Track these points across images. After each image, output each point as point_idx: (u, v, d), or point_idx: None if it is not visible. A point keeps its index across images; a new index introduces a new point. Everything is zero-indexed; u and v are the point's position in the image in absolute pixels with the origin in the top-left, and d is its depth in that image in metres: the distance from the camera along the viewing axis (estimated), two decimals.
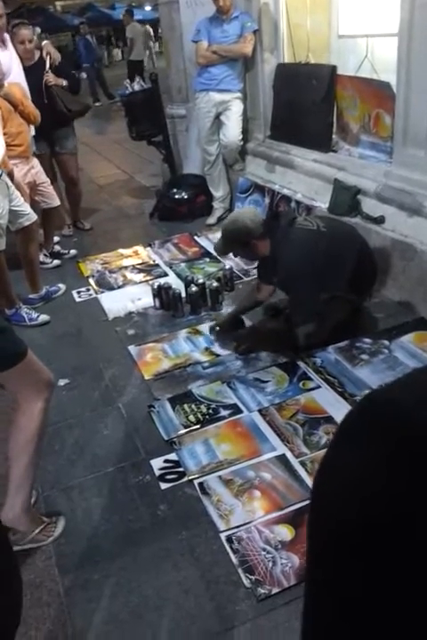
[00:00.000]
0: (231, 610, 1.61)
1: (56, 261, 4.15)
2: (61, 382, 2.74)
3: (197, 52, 4.28)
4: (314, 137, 3.96)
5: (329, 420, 2.24)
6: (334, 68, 3.84)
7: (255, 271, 3.57)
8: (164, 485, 2.05)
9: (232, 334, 2.87)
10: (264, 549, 1.74)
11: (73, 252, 4.29)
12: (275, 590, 1.64)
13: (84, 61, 11.79)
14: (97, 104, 11.53)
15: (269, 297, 2.88)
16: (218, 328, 2.94)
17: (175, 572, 1.74)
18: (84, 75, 11.17)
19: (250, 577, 1.68)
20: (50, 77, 4.08)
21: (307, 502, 1.86)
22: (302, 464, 2.05)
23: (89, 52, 12.02)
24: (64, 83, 4.18)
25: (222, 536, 1.82)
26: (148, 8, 22.37)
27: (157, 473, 2.10)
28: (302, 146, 4.08)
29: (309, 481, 1.96)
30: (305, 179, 3.98)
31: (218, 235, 4.23)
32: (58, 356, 2.96)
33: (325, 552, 0.39)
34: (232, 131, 4.40)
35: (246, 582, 1.67)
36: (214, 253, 3.94)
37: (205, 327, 3.06)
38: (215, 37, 4.19)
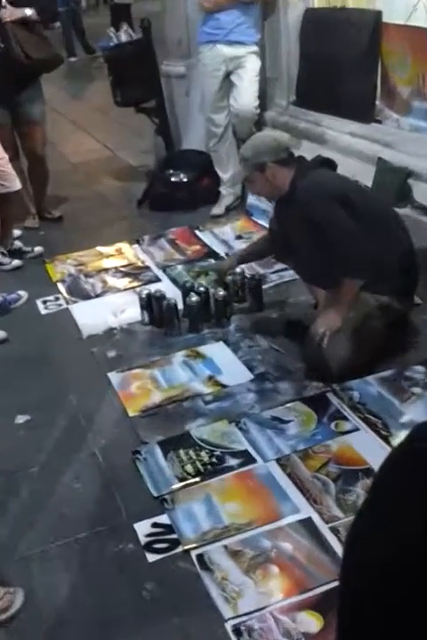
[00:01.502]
0: None
1: (16, 262, 4.17)
2: (20, 419, 2.73)
3: None
4: (352, 104, 3.98)
5: (370, 473, 2.21)
6: (378, 14, 3.87)
7: (275, 276, 3.61)
8: (151, 557, 2.03)
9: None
10: None
11: (38, 249, 4.30)
12: None
13: (58, 4, 11.94)
14: (72, 59, 11.62)
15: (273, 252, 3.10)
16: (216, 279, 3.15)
17: None
18: (57, 23, 11.30)
19: None
20: (4, 13, 3.97)
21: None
22: (334, 531, 2.02)
23: None
24: (28, 12, 4.03)
25: (228, 625, 1.80)
26: None
27: (143, 541, 2.09)
28: (337, 115, 4.10)
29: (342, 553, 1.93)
30: (340, 158, 3.95)
31: (227, 228, 4.29)
32: (15, 386, 2.95)
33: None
34: (246, 95, 4.42)
35: None
36: (222, 252, 3.99)
37: (208, 349, 3.06)
38: None
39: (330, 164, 2.83)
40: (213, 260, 3.94)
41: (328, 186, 2.64)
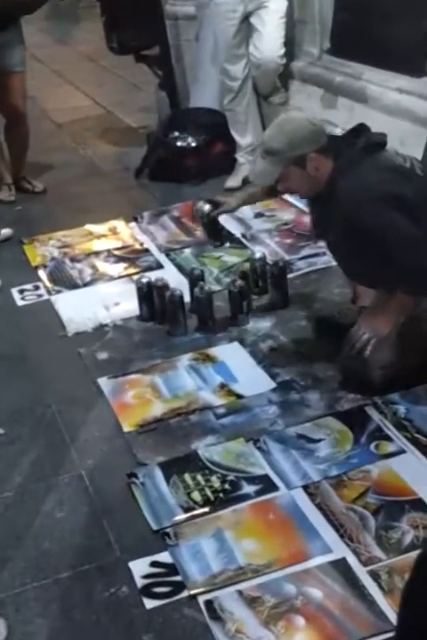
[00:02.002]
0: None
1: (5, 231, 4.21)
2: None
3: None
4: (400, 53, 3.97)
5: (419, 504, 2.22)
6: None
7: (303, 263, 3.61)
8: (150, 603, 2.02)
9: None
10: None
11: (5, 232, 4.27)
12: None
13: None
14: None
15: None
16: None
17: None
18: None
19: None
20: None
21: (382, 637, 1.83)
22: (374, 576, 2.01)
23: None
24: None
25: None
26: None
27: (140, 583, 2.08)
28: (381, 67, 4.10)
29: (384, 603, 1.93)
30: (384, 118, 3.98)
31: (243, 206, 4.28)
32: None
33: None
34: (269, 41, 4.43)
35: None
36: (239, 234, 3.99)
37: (220, 351, 3.06)
38: None
39: (379, 145, 2.69)
40: (227, 243, 3.93)
41: (379, 188, 2.53)
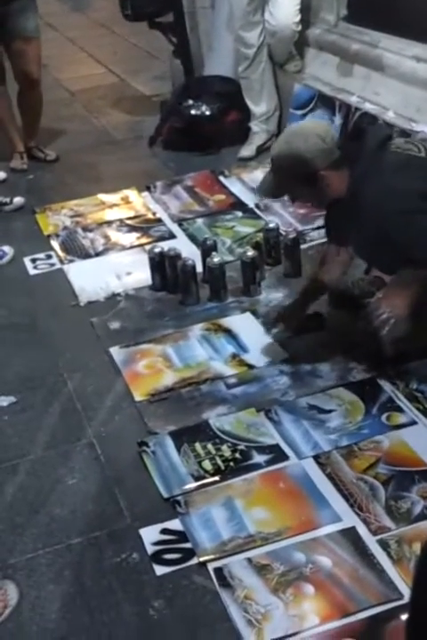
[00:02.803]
0: None
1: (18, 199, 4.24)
2: (3, 401, 2.77)
3: None
4: (417, 21, 3.93)
5: None
6: None
7: (316, 234, 3.60)
8: (160, 570, 2.05)
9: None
10: None
11: (18, 201, 4.28)
12: None
13: None
14: None
15: (345, 269, 2.89)
16: (281, 323, 2.95)
17: None
18: None
19: None
20: None
21: (390, 606, 1.85)
22: (383, 545, 2.03)
23: None
24: None
25: None
26: None
27: (151, 550, 2.11)
28: (398, 34, 4.06)
29: (393, 572, 1.94)
30: (401, 87, 3.95)
31: (258, 173, 4.28)
32: None
33: None
34: (285, 8, 4.40)
35: None
36: (252, 203, 3.99)
37: (232, 321, 3.07)
38: None
39: (387, 137, 2.65)
40: (239, 213, 3.94)
41: (404, 194, 2.46)
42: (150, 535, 2.15)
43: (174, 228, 3.91)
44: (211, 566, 2.03)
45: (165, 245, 3.49)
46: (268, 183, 2.71)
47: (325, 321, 2.98)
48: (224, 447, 2.43)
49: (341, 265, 2.87)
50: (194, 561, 2.06)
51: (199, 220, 3.95)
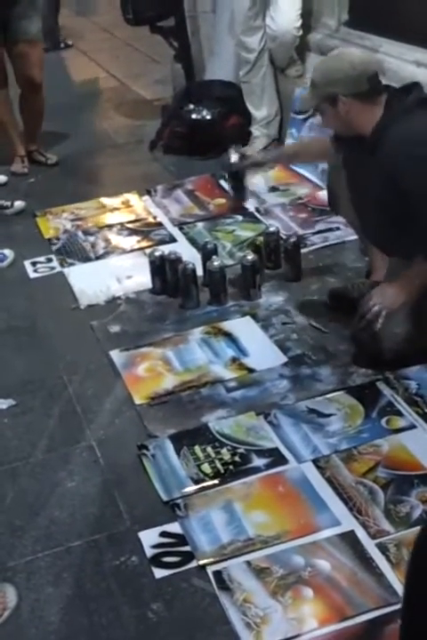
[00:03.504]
0: None
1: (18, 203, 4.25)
2: (2, 404, 2.77)
3: None
4: (418, 26, 3.93)
5: None
6: None
7: (317, 238, 3.61)
8: (159, 573, 2.05)
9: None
10: None
11: (18, 204, 4.29)
12: None
13: None
14: None
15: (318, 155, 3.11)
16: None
17: None
18: None
19: None
20: None
21: (389, 609, 1.85)
22: (382, 549, 2.03)
23: None
24: None
25: None
26: None
27: (150, 553, 2.11)
28: (399, 40, 4.06)
29: (392, 576, 1.94)
30: None
31: (259, 178, 4.29)
32: None
33: None
34: (286, 12, 4.41)
35: None
36: (252, 207, 3.99)
37: (233, 325, 3.07)
38: None
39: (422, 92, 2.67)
40: (240, 217, 3.94)
41: (425, 138, 2.49)
42: (150, 538, 2.15)
43: (175, 231, 3.92)
44: (210, 569, 2.03)
45: (165, 249, 3.49)
46: (303, 96, 2.93)
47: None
48: (224, 451, 2.43)
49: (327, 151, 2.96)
50: (193, 564, 2.06)
51: (200, 224, 3.95)
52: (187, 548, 2.11)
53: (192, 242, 3.77)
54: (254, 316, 3.13)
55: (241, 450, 2.43)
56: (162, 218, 4.08)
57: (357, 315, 2.70)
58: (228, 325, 3.09)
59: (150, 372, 2.87)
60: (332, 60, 2.74)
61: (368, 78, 2.58)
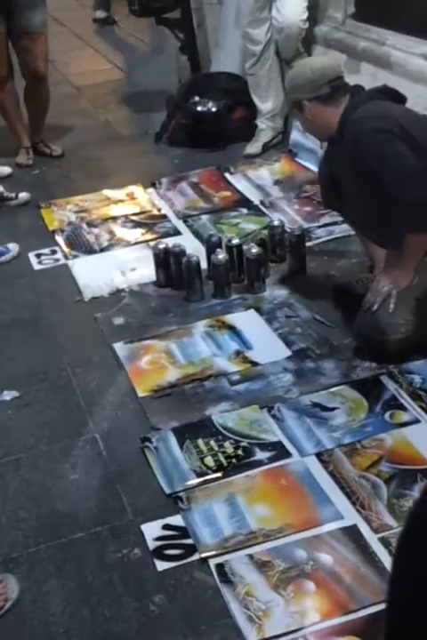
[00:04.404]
0: None
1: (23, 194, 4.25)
2: (6, 396, 2.78)
3: None
4: (425, 19, 3.92)
5: None
6: None
7: (322, 231, 3.61)
8: (162, 565, 2.06)
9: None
10: None
11: (23, 196, 4.28)
12: None
13: None
14: None
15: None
16: None
17: None
18: None
19: None
20: None
21: None
22: (385, 543, 2.04)
23: None
24: None
25: None
26: None
27: (152, 545, 2.12)
28: (406, 33, 4.05)
29: None
30: (408, 84, 3.93)
31: (264, 171, 4.29)
32: (1, 356, 3.01)
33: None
34: (292, 5, 4.39)
35: None
36: (257, 200, 3.99)
37: (237, 318, 3.08)
38: None
39: (396, 97, 2.77)
40: (245, 210, 3.94)
41: (382, 117, 2.60)
42: (152, 531, 2.16)
43: (179, 224, 3.92)
44: (212, 562, 2.05)
45: (169, 242, 3.49)
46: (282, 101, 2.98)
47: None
48: (227, 444, 2.44)
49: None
50: (195, 557, 2.07)
51: (204, 217, 3.95)
52: (189, 541, 2.12)
53: (197, 235, 3.76)
54: (258, 310, 3.13)
55: (244, 443, 2.44)
56: (166, 210, 4.08)
57: (365, 301, 2.70)
58: (232, 318, 3.10)
59: (154, 365, 2.88)
60: (296, 68, 2.91)
61: (328, 82, 2.73)
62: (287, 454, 2.38)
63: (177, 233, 3.82)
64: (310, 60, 3.00)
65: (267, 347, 2.91)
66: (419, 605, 0.61)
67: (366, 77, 4.25)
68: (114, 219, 4.04)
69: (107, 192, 4.33)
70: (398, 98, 2.79)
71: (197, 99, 4.88)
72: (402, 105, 2.77)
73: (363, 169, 2.61)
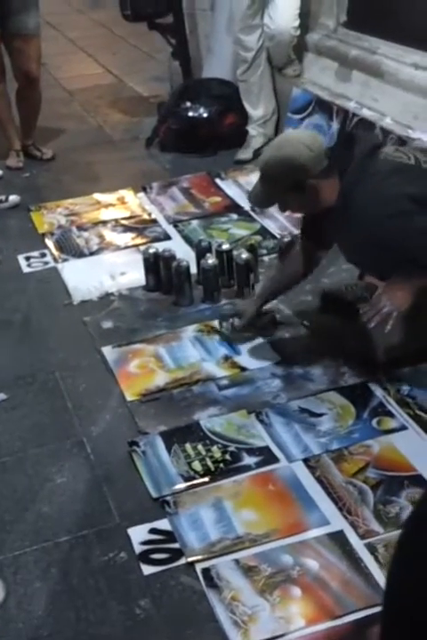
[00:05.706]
0: None
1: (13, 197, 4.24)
2: None
3: None
4: (416, 28, 3.94)
5: (418, 480, 2.23)
6: None
7: None
8: (148, 569, 2.06)
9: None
10: None
11: (13, 198, 4.29)
12: None
13: None
14: None
15: (313, 268, 2.89)
16: (236, 324, 2.96)
17: None
18: None
19: None
20: None
21: (377, 610, 1.84)
22: (371, 549, 2.04)
23: None
24: None
25: None
26: None
27: (138, 549, 2.12)
28: (397, 41, 4.07)
29: (379, 576, 1.95)
30: (400, 94, 3.96)
31: (254, 177, 4.27)
32: None
33: None
34: (284, 12, 4.41)
35: None
36: (247, 206, 3.99)
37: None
38: None
39: (375, 148, 2.65)
40: (235, 216, 3.95)
41: (390, 200, 2.49)
42: (139, 535, 2.16)
43: (169, 229, 3.92)
44: (198, 567, 2.04)
45: (159, 246, 3.49)
46: (258, 193, 2.70)
47: (276, 321, 3.03)
48: (214, 448, 2.44)
49: (303, 263, 2.85)
50: (182, 561, 2.07)
51: (194, 222, 3.96)
52: (176, 546, 2.11)
53: (187, 240, 3.77)
54: None
55: (232, 448, 2.44)
56: (157, 215, 4.08)
57: (363, 316, 2.62)
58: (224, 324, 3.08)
59: (142, 369, 2.87)
60: (285, 150, 2.58)
61: (324, 155, 2.56)
62: (275, 459, 2.38)
63: (167, 237, 3.83)
64: (291, 138, 2.73)
65: (255, 352, 2.91)
66: (419, 605, 0.61)
67: (358, 86, 4.28)
68: (104, 223, 4.04)
69: (97, 196, 4.33)
70: (378, 145, 2.68)
71: (188, 104, 4.89)
72: (393, 165, 2.58)
73: (377, 246, 2.49)
